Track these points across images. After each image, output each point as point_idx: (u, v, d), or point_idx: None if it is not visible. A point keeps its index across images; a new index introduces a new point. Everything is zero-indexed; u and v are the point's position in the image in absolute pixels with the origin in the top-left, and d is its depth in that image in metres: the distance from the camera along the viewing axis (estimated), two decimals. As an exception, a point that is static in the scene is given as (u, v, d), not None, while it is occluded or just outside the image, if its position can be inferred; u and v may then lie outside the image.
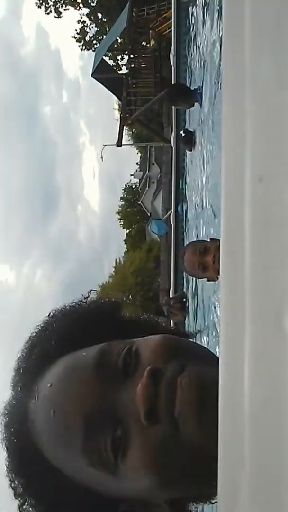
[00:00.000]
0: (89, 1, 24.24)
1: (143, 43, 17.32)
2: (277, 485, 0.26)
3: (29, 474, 0.59)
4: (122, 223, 38.45)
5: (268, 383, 0.26)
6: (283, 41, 0.27)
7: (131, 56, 15.67)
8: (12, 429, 0.60)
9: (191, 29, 7.13)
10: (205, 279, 2.69)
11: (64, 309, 0.67)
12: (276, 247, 0.27)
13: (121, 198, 39.35)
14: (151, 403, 0.51)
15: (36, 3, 24.72)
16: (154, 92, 14.42)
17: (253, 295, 0.27)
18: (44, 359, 0.60)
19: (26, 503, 0.59)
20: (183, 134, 6.92)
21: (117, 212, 39.07)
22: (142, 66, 15.63)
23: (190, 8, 7.15)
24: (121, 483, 0.54)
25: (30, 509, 0.59)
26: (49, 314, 0.66)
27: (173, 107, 7.74)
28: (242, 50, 0.29)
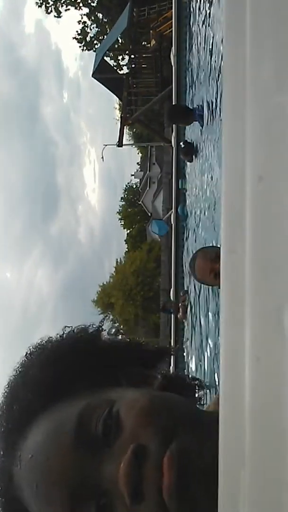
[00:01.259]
0: (90, 1, 24.24)
1: (143, 43, 17.32)
2: (277, 485, 0.26)
3: None
4: (122, 223, 38.45)
5: (268, 383, 0.26)
6: (284, 42, 0.27)
7: (132, 56, 15.68)
8: (0, 489, 0.60)
9: (192, 29, 7.13)
10: (217, 286, 2.64)
11: (40, 349, 0.64)
12: (276, 246, 0.27)
13: (121, 198, 39.39)
14: (135, 485, 0.49)
15: (36, 2, 24.73)
16: (155, 92, 14.42)
17: (253, 295, 0.27)
18: (24, 418, 0.59)
19: None
20: (182, 146, 6.95)
21: (117, 212, 39.10)
22: (143, 66, 15.65)
23: (189, 7, 7.15)
24: None
25: None
26: (26, 353, 0.64)
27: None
28: (243, 50, 0.29)
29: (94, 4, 24.10)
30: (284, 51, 0.27)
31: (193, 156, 6.74)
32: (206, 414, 0.59)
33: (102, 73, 14.74)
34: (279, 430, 0.26)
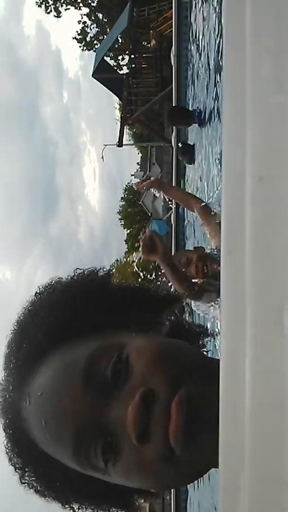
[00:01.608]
0: (90, 1, 24.24)
1: (144, 43, 17.32)
2: (278, 486, 0.26)
3: (26, 457, 0.61)
4: (122, 223, 38.42)
5: (268, 383, 0.26)
6: (284, 42, 0.27)
7: (132, 56, 15.69)
8: (7, 420, 0.61)
9: (192, 29, 7.13)
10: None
11: (51, 289, 0.64)
12: (276, 246, 0.27)
13: (121, 198, 39.35)
14: (143, 427, 0.50)
15: (36, 2, 24.72)
16: (155, 92, 14.42)
17: (253, 295, 0.27)
18: (33, 356, 0.60)
19: (25, 475, 0.61)
20: (180, 145, 6.93)
21: (117, 212, 39.07)
22: (143, 66, 15.64)
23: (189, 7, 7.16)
24: (112, 480, 0.56)
25: (31, 479, 0.62)
26: (36, 293, 0.64)
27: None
28: (243, 50, 0.29)
29: (94, 4, 24.11)
30: (284, 51, 0.27)
31: (193, 158, 6.73)
32: (213, 362, 0.59)
33: (102, 73, 14.75)
34: (279, 430, 0.26)
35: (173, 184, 8.19)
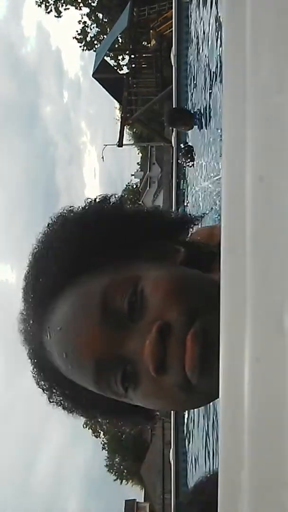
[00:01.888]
0: (90, 1, 24.23)
1: (144, 43, 17.31)
2: (277, 485, 0.26)
3: (52, 381, 0.64)
4: (123, 223, 38.29)
5: (268, 384, 0.26)
6: (284, 42, 0.27)
7: (132, 56, 15.67)
8: (31, 350, 0.64)
9: (192, 29, 7.13)
10: None
11: (63, 220, 0.63)
12: (276, 246, 0.27)
13: (122, 198, 39.21)
14: (160, 359, 0.52)
15: (36, 1, 24.70)
16: (155, 92, 14.41)
17: (253, 295, 0.27)
18: (50, 291, 0.60)
19: (53, 396, 0.65)
20: (182, 146, 6.94)
21: (118, 212, 38.92)
22: (143, 66, 15.63)
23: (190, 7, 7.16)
24: (132, 402, 0.59)
25: (58, 399, 0.65)
26: (48, 224, 0.64)
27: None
28: (243, 50, 0.29)
29: (94, 4, 24.10)
30: (284, 51, 0.27)
31: (193, 161, 6.73)
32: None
33: (102, 73, 14.74)
34: (279, 431, 0.26)
35: (174, 184, 8.19)
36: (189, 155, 6.74)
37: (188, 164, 6.90)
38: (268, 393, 0.26)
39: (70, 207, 0.65)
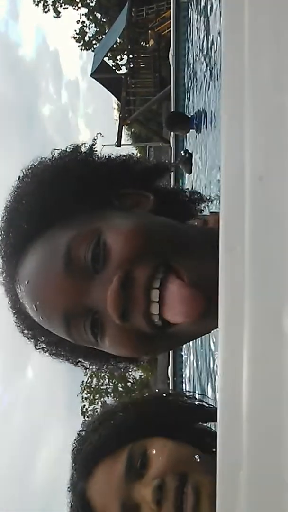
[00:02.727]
0: (88, 1, 24.21)
1: (142, 43, 17.30)
2: (276, 485, 0.26)
3: (34, 330, 0.66)
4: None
5: (267, 382, 0.26)
6: (282, 43, 0.27)
7: (130, 56, 15.66)
8: (10, 301, 0.66)
9: (190, 29, 7.13)
10: None
11: (33, 172, 0.63)
12: (276, 245, 0.27)
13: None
14: (122, 306, 0.53)
15: (33, 1, 24.64)
16: (153, 92, 14.39)
17: (252, 294, 0.27)
18: (19, 244, 0.61)
19: (38, 343, 0.67)
20: (183, 153, 6.97)
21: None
22: (141, 66, 15.62)
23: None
24: (104, 350, 0.60)
25: (43, 346, 0.68)
26: (19, 177, 0.64)
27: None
28: (242, 51, 0.29)
29: (93, 4, 24.08)
30: (283, 52, 0.27)
31: (191, 168, 6.76)
32: (202, 233, 0.60)
33: (101, 73, 14.72)
34: (278, 430, 0.26)
35: (172, 184, 8.18)
36: (188, 162, 6.78)
37: (186, 171, 6.94)
38: (267, 393, 0.26)
39: (40, 158, 0.64)
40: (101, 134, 0.67)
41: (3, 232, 0.64)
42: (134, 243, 0.54)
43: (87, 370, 0.73)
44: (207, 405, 0.85)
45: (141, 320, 0.53)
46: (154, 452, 0.72)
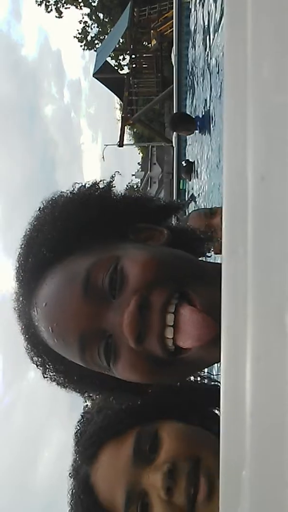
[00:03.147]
0: (90, 1, 24.22)
1: (144, 43, 17.31)
2: (278, 485, 0.26)
3: (44, 356, 0.67)
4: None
5: (269, 382, 0.26)
6: (284, 44, 0.27)
7: (133, 56, 15.66)
8: (23, 326, 0.67)
9: (192, 29, 7.13)
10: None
11: (53, 204, 0.67)
12: (278, 245, 0.27)
13: (122, 198, 39.12)
14: (138, 330, 0.54)
15: (36, 1, 24.65)
16: (155, 92, 14.40)
17: (254, 295, 0.27)
18: (38, 269, 0.64)
19: (46, 371, 0.68)
20: (184, 164, 7.05)
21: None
22: (144, 66, 15.62)
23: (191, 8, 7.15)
24: (116, 376, 0.61)
25: (51, 374, 0.69)
26: (39, 208, 0.67)
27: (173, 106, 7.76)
28: (244, 50, 0.29)
29: (95, 4, 24.09)
30: (284, 52, 0.27)
31: (192, 175, 6.85)
32: (214, 265, 0.62)
33: (103, 73, 14.72)
34: (280, 429, 0.26)
35: (174, 184, 8.20)
36: (189, 171, 6.87)
37: (187, 178, 7.02)
38: (269, 392, 0.26)
39: (60, 192, 0.68)
40: (119, 172, 0.72)
41: (21, 258, 0.66)
42: (150, 269, 0.57)
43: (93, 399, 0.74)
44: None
45: (155, 343, 0.55)
46: (165, 435, 0.69)
